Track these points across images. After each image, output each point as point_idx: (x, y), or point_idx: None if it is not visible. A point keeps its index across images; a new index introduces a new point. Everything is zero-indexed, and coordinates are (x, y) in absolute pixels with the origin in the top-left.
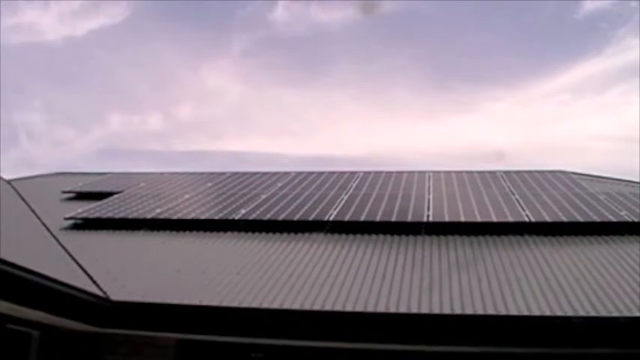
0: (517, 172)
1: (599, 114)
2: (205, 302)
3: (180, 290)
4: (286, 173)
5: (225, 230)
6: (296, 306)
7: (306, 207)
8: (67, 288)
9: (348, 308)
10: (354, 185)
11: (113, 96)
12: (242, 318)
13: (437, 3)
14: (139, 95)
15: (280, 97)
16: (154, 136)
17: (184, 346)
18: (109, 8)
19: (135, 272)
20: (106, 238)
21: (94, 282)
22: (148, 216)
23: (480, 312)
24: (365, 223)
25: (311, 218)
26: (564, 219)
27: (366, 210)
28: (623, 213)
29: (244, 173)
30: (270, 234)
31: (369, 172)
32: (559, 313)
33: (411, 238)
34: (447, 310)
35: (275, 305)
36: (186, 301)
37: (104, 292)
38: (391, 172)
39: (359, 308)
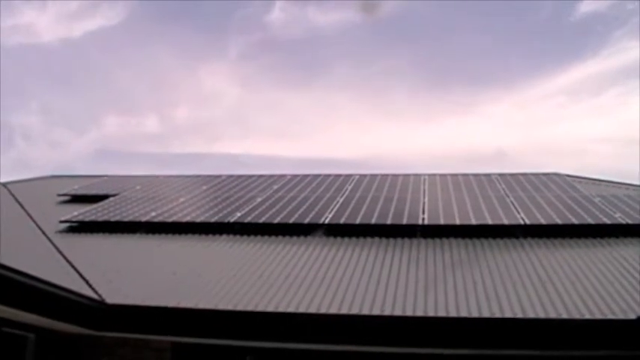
0: (512, 175)
1: (595, 116)
2: (201, 305)
3: (175, 293)
4: (282, 176)
5: (220, 233)
6: (291, 309)
7: (301, 210)
8: (63, 291)
9: (344, 311)
10: (350, 188)
11: (110, 98)
12: (237, 321)
13: (435, 5)
14: (136, 97)
15: (278, 99)
16: (151, 138)
17: (180, 349)
18: (106, 10)
19: (130, 275)
20: (102, 241)
21: (90, 285)
22: (144, 219)
23: (475, 314)
24: (360, 225)
25: (306, 221)
26: (559, 221)
27: (362, 213)
28: (617, 215)
29: (240, 176)
30: (266, 237)
31: (364, 175)
32: (554, 316)
33: (407, 240)
34: (442, 313)
35: (270, 308)
36: (181, 304)
37: (100, 295)
38: (387, 175)
39: (354, 311)
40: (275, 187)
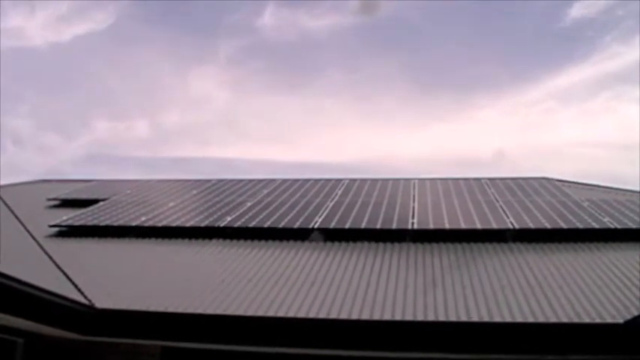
0: (502, 180)
1: (584, 121)
2: (190, 310)
3: (165, 297)
4: (272, 180)
5: (210, 238)
6: (281, 313)
7: (291, 214)
8: (52, 296)
9: (333, 315)
10: (340, 193)
11: (100, 102)
12: (227, 325)
13: (425, 12)
14: (126, 101)
15: (268, 103)
16: (140, 142)
17: (170, 354)
18: (96, 14)
19: (120, 280)
20: (92, 246)
21: (79, 290)
22: (134, 223)
23: (464, 319)
24: (350, 230)
25: (296, 226)
26: (548, 226)
27: (352, 217)
28: (606, 220)
29: (230, 180)
30: (256, 241)
31: (354, 180)
32: (542, 320)
33: (396, 245)
34: (431, 317)
35: (260, 313)
36: (171, 309)
37: (89, 300)
38: (377, 180)
39: (344, 315)
40: (265, 191)
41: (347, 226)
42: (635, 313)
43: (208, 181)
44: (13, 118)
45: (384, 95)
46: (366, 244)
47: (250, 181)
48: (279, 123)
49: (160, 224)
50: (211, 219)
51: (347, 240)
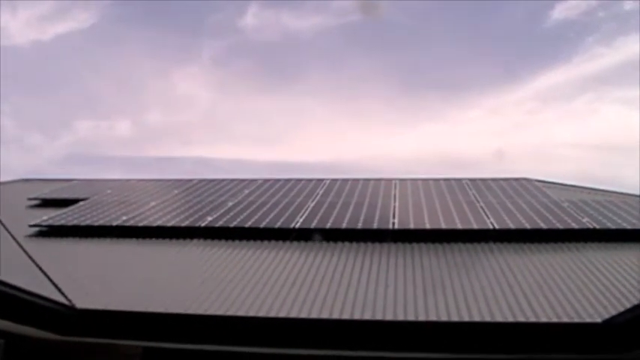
0: (482, 180)
1: (566, 122)
2: (171, 310)
3: (145, 298)
4: (253, 180)
5: (191, 237)
6: (262, 313)
7: (272, 214)
8: (32, 296)
9: (314, 315)
10: (321, 193)
11: (82, 101)
12: (208, 326)
13: (409, 12)
14: (109, 100)
15: (251, 103)
16: (123, 141)
17: (151, 354)
18: (78, 14)
19: (100, 280)
20: (72, 246)
21: (59, 290)
22: (114, 223)
23: (444, 319)
24: (331, 230)
25: (277, 226)
26: (528, 226)
27: (333, 217)
28: (585, 220)
29: (211, 180)
30: (237, 241)
31: (335, 180)
32: (522, 320)
33: (377, 245)
34: (411, 317)
35: (241, 313)
36: (151, 309)
37: (69, 300)
38: (358, 180)
39: (324, 315)
40: (246, 191)
41: (328, 226)
42: (614, 313)
43: (190, 180)
44: None
45: (370, 95)
46: (347, 244)
47: (232, 180)
48: (262, 123)
49: (140, 224)
50: (192, 219)
51: (328, 240)
